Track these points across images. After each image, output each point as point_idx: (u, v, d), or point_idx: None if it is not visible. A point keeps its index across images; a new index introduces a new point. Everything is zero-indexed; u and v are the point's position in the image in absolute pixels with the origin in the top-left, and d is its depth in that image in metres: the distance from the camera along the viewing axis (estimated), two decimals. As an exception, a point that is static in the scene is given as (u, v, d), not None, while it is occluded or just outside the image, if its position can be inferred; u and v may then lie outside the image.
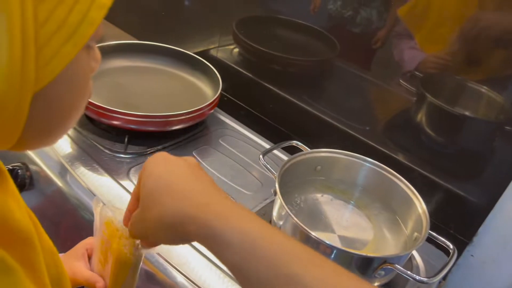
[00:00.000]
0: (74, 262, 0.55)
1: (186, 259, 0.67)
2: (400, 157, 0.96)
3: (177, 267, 0.66)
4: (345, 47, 1.00)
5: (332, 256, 0.59)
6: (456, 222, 0.89)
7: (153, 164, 0.41)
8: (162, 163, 0.41)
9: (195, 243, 0.56)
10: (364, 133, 1.01)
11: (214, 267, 0.66)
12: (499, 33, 0.78)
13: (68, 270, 0.51)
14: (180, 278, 0.65)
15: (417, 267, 0.75)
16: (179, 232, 0.37)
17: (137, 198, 0.42)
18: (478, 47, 0.82)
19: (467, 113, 0.88)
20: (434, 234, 0.67)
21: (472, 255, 0.90)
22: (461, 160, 0.90)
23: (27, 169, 0.82)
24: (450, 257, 0.63)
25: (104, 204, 0.50)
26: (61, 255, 0.56)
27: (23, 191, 0.82)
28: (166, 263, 0.66)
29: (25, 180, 0.82)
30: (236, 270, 0.34)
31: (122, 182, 0.79)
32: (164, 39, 1.12)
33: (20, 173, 0.81)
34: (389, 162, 0.85)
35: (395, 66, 0.96)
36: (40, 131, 0.31)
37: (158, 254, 0.67)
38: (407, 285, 0.70)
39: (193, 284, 0.64)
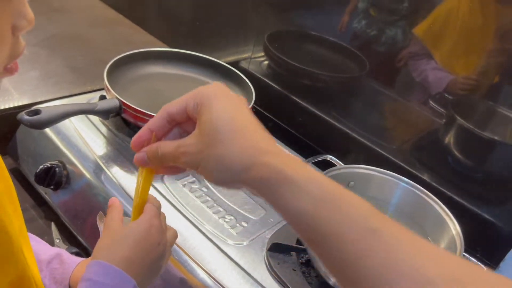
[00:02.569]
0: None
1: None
2: (426, 177, 0.96)
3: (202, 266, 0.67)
4: (373, 65, 1.02)
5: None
6: (483, 247, 0.89)
7: (214, 96, 0.39)
8: (224, 97, 0.39)
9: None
10: (391, 152, 1.02)
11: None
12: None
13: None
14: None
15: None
16: (239, 176, 0.36)
17: (171, 121, 0.42)
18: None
19: (496, 137, 0.88)
20: (467, 255, 0.67)
21: (497, 281, 0.89)
22: (489, 185, 0.90)
23: (64, 167, 0.85)
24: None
25: (104, 216, 0.52)
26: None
27: (59, 188, 0.84)
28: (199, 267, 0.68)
29: (61, 178, 0.84)
30: (304, 219, 0.33)
31: (156, 185, 0.81)
32: (197, 49, 1.14)
33: (57, 171, 0.83)
34: (415, 181, 0.86)
35: (421, 87, 0.97)
36: None
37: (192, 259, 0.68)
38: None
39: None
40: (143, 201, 0.50)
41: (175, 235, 0.55)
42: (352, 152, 1.05)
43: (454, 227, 0.68)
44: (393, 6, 0.97)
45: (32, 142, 0.88)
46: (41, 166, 0.81)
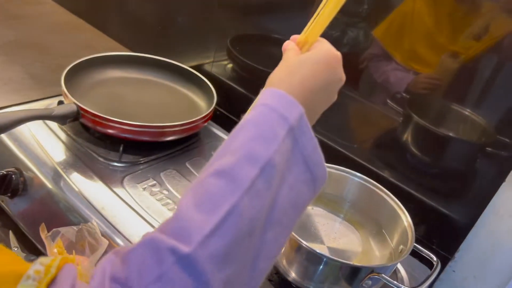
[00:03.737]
0: None
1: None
2: (386, 174, 0.99)
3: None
4: None
5: (322, 265, 0.62)
6: (439, 238, 0.92)
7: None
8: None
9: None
10: (352, 151, 1.04)
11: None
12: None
13: None
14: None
15: (402, 279, 0.77)
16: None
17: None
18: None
19: (451, 134, 0.92)
20: (419, 247, 0.69)
21: (454, 271, 0.93)
22: (445, 179, 0.94)
23: (21, 174, 0.83)
24: (433, 268, 0.66)
25: (47, 233, 0.52)
26: None
27: (16, 196, 0.82)
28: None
29: (18, 186, 0.82)
30: None
31: (116, 190, 0.80)
32: (160, 53, 1.14)
33: (14, 178, 0.81)
34: (375, 179, 0.88)
35: (382, 86, 1.00)
36: None
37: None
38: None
39: None
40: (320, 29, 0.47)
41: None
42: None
43: (406, 219, 0.70)
44: (353, 8, 0.99)
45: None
46: (-4, 173, 0.79)
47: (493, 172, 0.83)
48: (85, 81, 0.99)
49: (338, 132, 1.05)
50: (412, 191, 0.94)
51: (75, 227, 0.54)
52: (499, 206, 0.83)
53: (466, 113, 0.89)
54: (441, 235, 0.91)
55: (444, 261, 0.93)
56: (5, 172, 0.81)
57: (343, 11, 1.11)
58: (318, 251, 0.60)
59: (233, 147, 0.37)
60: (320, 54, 0.45)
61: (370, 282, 0.61)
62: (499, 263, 0.86)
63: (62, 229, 0.51)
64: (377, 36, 0.93)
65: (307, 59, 0.45)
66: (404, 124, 0.97)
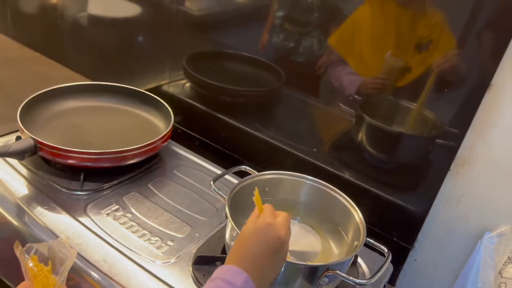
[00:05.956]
0: None
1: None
2: (347, 175, 1.03)
3: None
4: (290, 75, 1.08)
5: (282, 269, 0.65)
6: (399, 230, 0.96)
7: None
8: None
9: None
10: (312, 155, 1.08)
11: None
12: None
13: None
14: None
15: (363, 273, 0.81)
16: None
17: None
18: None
19: (402, 130, 0.96)
20: (371, 240, 0.73)
21: (415, 260, 0.97)
22: (399, 173, 0.98)
23: (-16, 214, 0.83)
24: (385, 259, 0.70)
25: (21, 247, 0.54)
26: None
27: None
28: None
29: (-18, 226, 0.83)
30: None
31: (80, 219, 0.82)
32: (116, 78, 1.16)
33: (-24, 219, 0.82)
34: (336, 180, 0.92)
35: (337, 91, 1.04)
36: None
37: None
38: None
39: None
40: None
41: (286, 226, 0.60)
42: (276, 159, 1.10)
43: (357, 216, 0.74)
44: (304, 18, 1.03)
45: None
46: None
47: (438, 162, 0.88)
48: (42, 114, 1.00)
49: (298, 138, 1.09)
50: (371, 188, 0.98)
51: (46, 243, 0.57)
52: (448, 194, 0.88)
53: (413, 107, 0.94)
54: (400, 227, 0.96)
55: (405, 252, 0.98)
56: (-34, 213, 0.81)
57: (294, 22, 1.15)
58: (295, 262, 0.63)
59: None
60: (254, 230, 0.58)
61: (326, 279, 0.65)
62: (454, 249, 0.91)
63: (35, 245, 0.54)
64: (331, 44, 0.97)
65: (246, 235, 0.58)
66: (358, 124, 1.01)
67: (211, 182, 0.78)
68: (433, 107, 0.88)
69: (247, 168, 0.83)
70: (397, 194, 0.96)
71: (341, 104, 1.03)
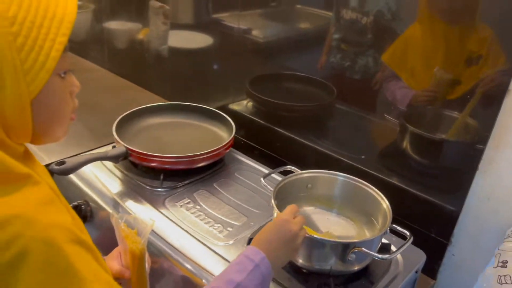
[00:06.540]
0: (110, 262, 0.77)
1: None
2: (395, 180, 1.12)
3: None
4: (343, 91, 1.19)
5: (319, 248, 0.79)
6: (436, 227, 1.04)
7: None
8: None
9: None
10: (360, 162, 1.18)
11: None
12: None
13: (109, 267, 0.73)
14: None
15: (396, 260, 0.92)
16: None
17: None
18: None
19: (444, 136, 1.03)
20: (396, 226, 0.84)
21: (453, 255, 1.05)
22: (437, 176, 1.05)
23: (88, 205, 1.07)
24: (407, 240, 0.80)
25: (116, 215, 0.73)
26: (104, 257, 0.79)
27: (86, 222, 1.06)
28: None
29: (86, 214, 1.06)
30: None
31: (160, 209, 1.02)
32: (191, 99, 1.38)
33: (83, 208, 1.06)
34: (383, 185, 0.98)
35: (383, 103, 1.14)
36: (41, 129, 0.55)
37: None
38: (386, 275, 0.88)
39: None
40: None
41: (301, 224, 0.76)
42: (324, 165, 1.23)
43: (385, 204, 0.86)
44: (359, 39, 1.13)
45: (61, 187, 1.11)
46: (70, 205, 1.03)
47: (468, 163, 0.96)
48: (132, 128, 1.24)
49: (347, 147, 1.20)
50: (415, 191, 1.06)
51: (132, 215, 0.76)
52: (479, 191, 0.96)
53: (455, 115, 1.01)
54: (437, 224, 1.04)
55: (443, 247, 1.05)
56: (76, 204, 1.05)
57: (350, 42, 1.26)
58: (315, 236, 0.78)
59: (223, 277, 0.66)
60: (273, 223, 0.74)
61: (354, 255, 0.77)
62: (488, 243, 0.97)
63: (124, 215, 0.73)
64: (385, 61, 1.06)
65: (268, 226, 0.74)
66: (401, 133, 1.10)
67: (261, 179, 0.94)
68: (474, 114, 0.94)
69: (292, 167, 0.98)
70: (433, 193, 1.04)
71: (386, 115, 1.13)
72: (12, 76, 0.48)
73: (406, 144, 1.12)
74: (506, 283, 0.71)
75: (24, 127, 0.52)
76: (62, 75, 0.55)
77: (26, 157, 0.57)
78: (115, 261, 0.77)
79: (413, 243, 0.92)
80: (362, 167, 1.17)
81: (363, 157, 1.21)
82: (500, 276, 0.72)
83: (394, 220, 0.85)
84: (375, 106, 1.15)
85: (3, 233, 0.46)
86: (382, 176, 1.13)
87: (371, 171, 1.15)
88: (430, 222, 1.05)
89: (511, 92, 0.86)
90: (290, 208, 0.76)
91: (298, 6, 1.25)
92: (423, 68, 1.02)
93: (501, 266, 0.74)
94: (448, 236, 1.03)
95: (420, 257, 0.94)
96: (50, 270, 0.47)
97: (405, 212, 1.01)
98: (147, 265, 0.75)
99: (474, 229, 0.99)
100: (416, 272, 0.92)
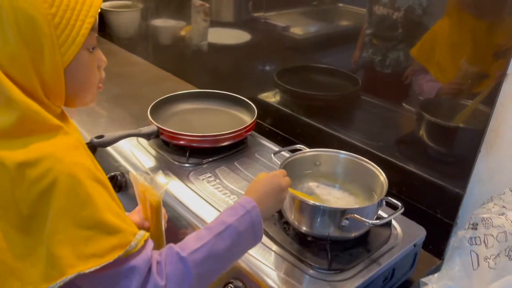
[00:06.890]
0: (132, 216, 0.89)
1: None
2: (411, 167, 1.17)
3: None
4: (370, 83, 1.24)
5: (310, 210, 0.87)
6: (442, 208, 1.09)
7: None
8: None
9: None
10: (377, 148, 1.23)
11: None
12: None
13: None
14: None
15: (396, 234, 0.98)
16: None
17: None
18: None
19: (461, 125, 1.05)
20: (390, 198, 0.90)
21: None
22: (444, 160, 1.10)
23: (123, 176, 1.21)
24: (398, 210, 0.87)
25: (135, 173, 0.84)
26: (127, 213, 0.91)
27: (121, 191, 1.20)
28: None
29: (122, 184, 1.20)
30: None
31: (185, 182, 1.14)
32: (223, 89, 1.49)
33: (118, 179, 1.20)
34: (396, 169, 1.06)
35: (402, 93, 1.18)
36: (73, 93, 0.67)
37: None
38: (384, 246, 0.94)
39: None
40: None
41: (289, 182, 0.86)
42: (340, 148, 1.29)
43: (382, 177, 0.93)
44: (390, 34, 1.18)
45: (101, 159, 1.26)
46: (107, 175, 1.18)
47: (470, 146, 1.00)
48: (165, 112, 1.38)
49: (366, 134, 1.26)
50: (427, 176, 1.11)
51: (149, 175, 0.86)
52: (481, 173, 1.00)
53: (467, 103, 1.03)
54: (443, 205, 1.08)
55: (449, 227, 1.09)
56: (113, 174, 1.20)
57: (381, 37, 1.31)
58: (304, 199, 0.86)
59: (218, 219, 0.75)
60: (265, 177, 0.85)
61: (347, 221, 0.85)
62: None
63: (143, 174, 0.84)
64: (413, 55, 1.09)
65: (259, 179, 0.85)
66: (419, 122, 1.14)
67: (272, 155, 1.03)
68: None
69: (302, 146, 1.06)
70: (438, 175, 1.09)
71: (404, 104, 1.17)
72: (50, 47, 0.61)
73: (422, 132, 1.15)
74: (476, 244, 0.76)
75: (59, 90, 0.65)
76: (91, 50, 0.67)
77: (62, 117, 0.70)
78: (136, 215, 0.89)
79: (421, 223, 0.97)
80: (380, 154, 1.21)
81: (381, 143, 1.25)
82: (471, 238, 0.77)
83: (405, 203, 0.90)
84: (399, 97, 1.18)
85: (38, 167, 0.59)
86: (398, 162, 1.17)
87: (388, 158, 1.20)
88: (435, 203, 1.10)
89: (508, 77, 0.90)
90: (280, 171, 0.87)
91: (340, 4, 1.29)
92: (451, 61, 1.05)
93: (472, 229, 0.78)
94: (453, 217, 1.07)
95: (419, 232, 0.99)
96: (73, 197, 0.59)
97: (415, 194, 1.07)
98: (163, 221, 0.87)
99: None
100: (415, 246, 0.97)
